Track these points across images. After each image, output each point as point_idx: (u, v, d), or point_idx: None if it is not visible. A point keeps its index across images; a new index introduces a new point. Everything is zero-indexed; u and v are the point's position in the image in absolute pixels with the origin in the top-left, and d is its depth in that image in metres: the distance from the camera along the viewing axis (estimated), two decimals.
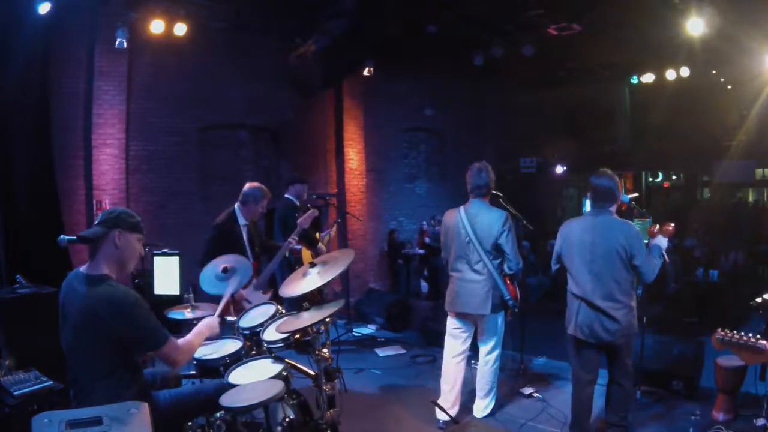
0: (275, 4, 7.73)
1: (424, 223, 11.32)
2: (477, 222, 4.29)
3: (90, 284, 2.53)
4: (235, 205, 4.83)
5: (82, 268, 2.64)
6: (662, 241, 3.79)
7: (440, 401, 4.46)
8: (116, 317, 2.46)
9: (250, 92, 8.62)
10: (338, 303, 3.30)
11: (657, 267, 3.68)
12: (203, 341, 3.08)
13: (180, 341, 2.76)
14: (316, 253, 5.97)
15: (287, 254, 6.18)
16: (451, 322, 4.55)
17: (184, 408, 2.86)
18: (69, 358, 2.60)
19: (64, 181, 6.83)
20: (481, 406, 4.53)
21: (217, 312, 3.31)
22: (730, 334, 2.50)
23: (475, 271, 4.29)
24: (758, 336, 2.49)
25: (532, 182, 13.57)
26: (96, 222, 2.65)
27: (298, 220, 5.00)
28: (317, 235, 6.44)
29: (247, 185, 4.87)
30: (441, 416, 4.37)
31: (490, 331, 4.46)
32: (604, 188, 3.80)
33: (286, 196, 6.43)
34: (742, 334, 2.49)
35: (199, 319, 3.51)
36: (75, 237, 2.67)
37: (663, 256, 3.78)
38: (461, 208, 4.40)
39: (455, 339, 4.53)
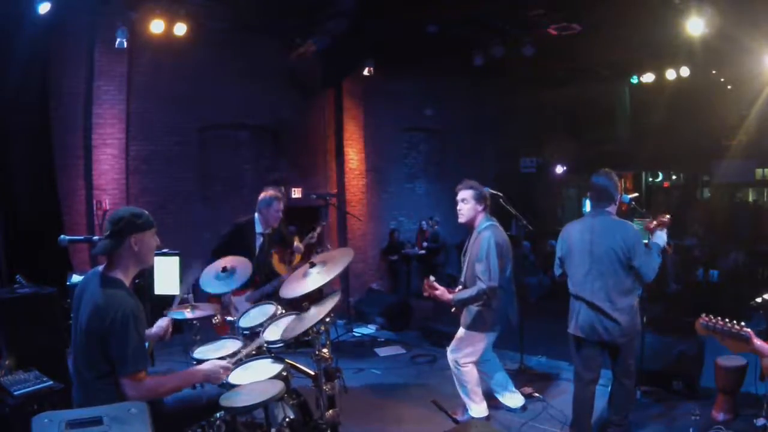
0: (275, 4, 7.72)
1: (423, 223, 11.30)
2: None
3: (103, 285, 2.57)
4: (255, 213, 4.99)
5: (101, 267, 2.68)
6: (661, 237, 3.77)
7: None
8: (109, 320, 2.47)
9: (250, 92, 8.60)
10: (335, 294, 3.29)
11: (657, 265, 3.66)
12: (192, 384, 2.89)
13: (155, 382, 2.57)
14: (291, 255, 5.72)
15: None
16: None
17: (183, 408, 2.86)
18: (74, 354, 2.62)
19: (64, 181, 6.83)
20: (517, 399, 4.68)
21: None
22: (714, 320, 2.45)
23: None
24: (743, 324, 2.45)
25: (532, 182, 13.55)
26: (106, 233, 2.61)
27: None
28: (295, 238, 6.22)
29: (261, 194, 5.01)
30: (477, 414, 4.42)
31: None
32: (600, 187, 3.81)
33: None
34: (727, 320, 2.44)
35: (198, 319, 3.51)
36: (76, 238, 2.66)
37: (664, 251, 3.76)
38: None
39: None
